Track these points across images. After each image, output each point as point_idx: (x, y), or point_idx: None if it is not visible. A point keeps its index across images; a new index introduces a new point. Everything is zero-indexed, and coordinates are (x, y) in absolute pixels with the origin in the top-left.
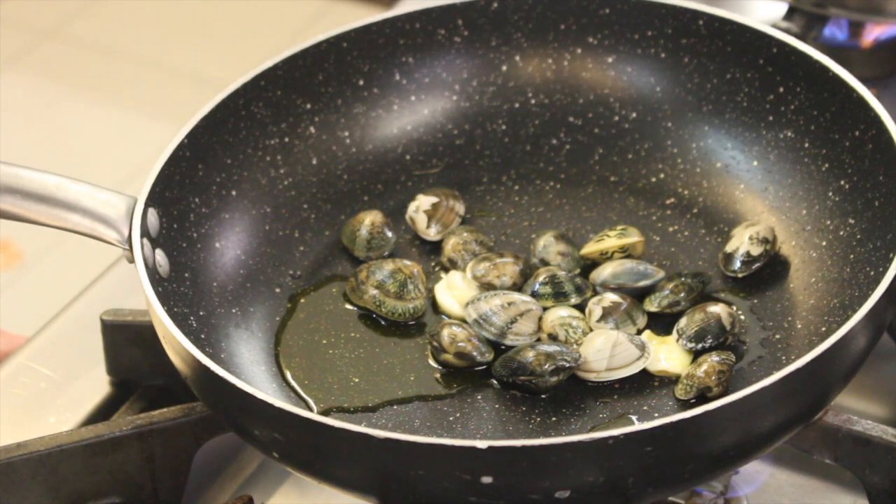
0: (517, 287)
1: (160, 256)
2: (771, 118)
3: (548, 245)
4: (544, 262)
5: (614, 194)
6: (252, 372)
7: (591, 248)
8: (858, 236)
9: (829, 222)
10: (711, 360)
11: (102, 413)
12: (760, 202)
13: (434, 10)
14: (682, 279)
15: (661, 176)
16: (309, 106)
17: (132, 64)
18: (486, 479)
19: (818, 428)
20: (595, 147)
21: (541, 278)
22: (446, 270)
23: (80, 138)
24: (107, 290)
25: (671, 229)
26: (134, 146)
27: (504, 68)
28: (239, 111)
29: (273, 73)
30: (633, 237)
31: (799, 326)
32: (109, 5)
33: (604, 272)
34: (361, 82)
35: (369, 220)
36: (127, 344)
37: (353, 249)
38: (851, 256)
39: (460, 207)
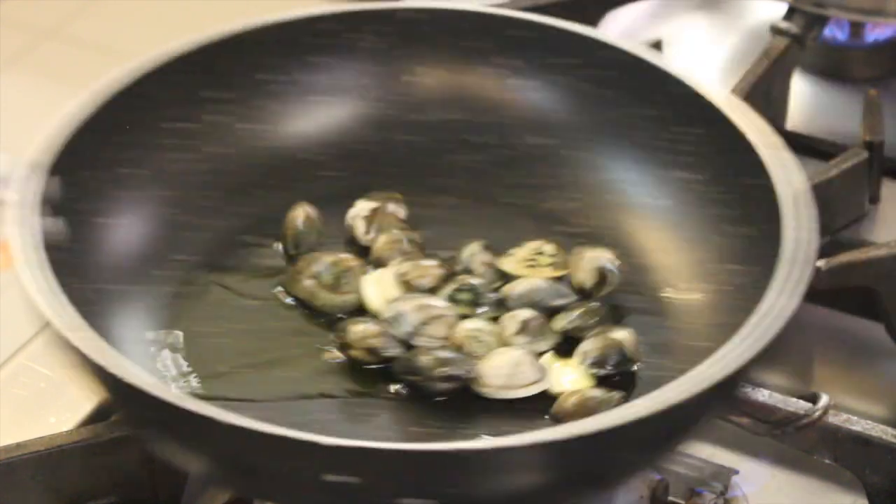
0: (437, 291)
1: (52, 225)
2: (669, 157)
3: (473, 254)
4: (467, 271)
5: (517, 218)
6: (137, 356)
7: (516, 267)
8: (739, 283)
9: (720, 266)
10: (586, 392)
11: (102, 413)
12: (660, 237)
13: (344, 14)
14: (592, 304)
15: (565, 204)
16: (218, 95)
17: None
18: (331, 478)
19: (818, 428)
20: (496, 169)
21: (460, 286)
22: (376, 267)
23: None
24: None
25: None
26: None
27: (405, 79)
28: (149, 92)
29: (187, 58)
30: (562, 270)
31: (674, 366)
32: (109, 5)
33: (519, 287)
34: (270, 77)
35: (294, 215)
36: None
37: (282, 244)
38: (736, 303)
39: (400, 211)
